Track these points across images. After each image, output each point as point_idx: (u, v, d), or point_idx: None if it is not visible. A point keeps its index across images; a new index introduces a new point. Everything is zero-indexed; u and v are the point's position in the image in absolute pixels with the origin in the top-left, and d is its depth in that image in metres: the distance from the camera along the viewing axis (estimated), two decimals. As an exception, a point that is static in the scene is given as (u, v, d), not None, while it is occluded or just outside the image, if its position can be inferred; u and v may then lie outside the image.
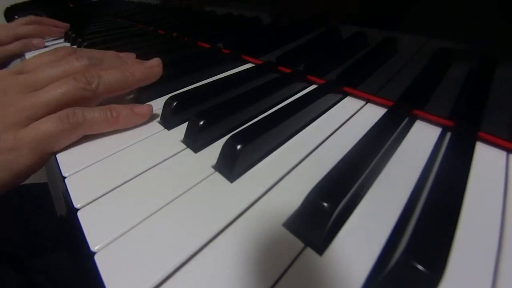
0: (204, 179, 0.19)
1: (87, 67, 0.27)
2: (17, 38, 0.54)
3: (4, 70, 0.26)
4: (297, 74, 0.32)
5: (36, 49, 0.54)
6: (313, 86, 0.32)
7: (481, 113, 0.22)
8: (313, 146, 0.22)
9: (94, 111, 0.23)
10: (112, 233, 0.16)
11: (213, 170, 0.20)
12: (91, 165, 0.21)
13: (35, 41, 0.55)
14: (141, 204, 0.17)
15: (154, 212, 0.17)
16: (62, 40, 0.62)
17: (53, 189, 0.22)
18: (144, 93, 0.30)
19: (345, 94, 0.30)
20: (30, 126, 0.22)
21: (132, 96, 0.31)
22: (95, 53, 0.31)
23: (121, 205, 0.17)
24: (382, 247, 0.14)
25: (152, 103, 0.30)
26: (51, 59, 0.28)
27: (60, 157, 0.22)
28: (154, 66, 0.30)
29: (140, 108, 0.26)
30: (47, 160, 0.23)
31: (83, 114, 0.23)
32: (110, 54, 0.32)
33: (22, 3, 1.00)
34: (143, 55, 0.41)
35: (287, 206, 0.17)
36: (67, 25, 0.64)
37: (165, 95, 0.31)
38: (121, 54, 0.33)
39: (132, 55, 0.35)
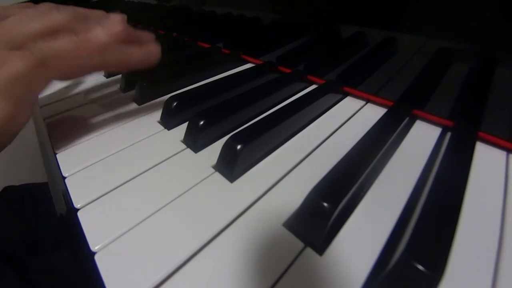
0: (204, 179, 0.19)
1: (70, 21, 0.22)
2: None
3: None
4: (297, 74, 0.32)
5: None
6: (313, 86, 0.32)
7: (481, 113, 0.22)
8: (313, 146, 0.22)
9: (60, 40, 0.19)
10: (112, 233, 0.16)
11: (213, 170, 0.20)
12: (91, 165, 0.21)
13: None
14: (141, 204, 0.17)
15: (154, 212, 0.17)
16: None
17: (53, 189, 0.22)
18: (144, 93, 0.30)
19: (345, 94, 0.30)
20: None
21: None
22: (81, 9, 0.25)
23: (121, 205, 0.17)
24: (382, 247, 0.14)
25: (152, 103, 0.30)
26: (32, 12, 0.22)
27: (60, 157, 0.22)
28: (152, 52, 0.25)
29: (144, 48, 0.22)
30: (29, 110, 0.20)
31: (49, 45, 0.19)
32: (98, 12, 0.26)
33: (22, 2, 1.00)
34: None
35: (287, 206, 0.17)
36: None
37: (165, 95, 0.31)
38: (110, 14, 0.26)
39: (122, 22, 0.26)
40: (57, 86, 0.35)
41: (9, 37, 0.19)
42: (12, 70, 0.18)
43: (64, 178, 0.20)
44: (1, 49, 0.19)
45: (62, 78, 0.22)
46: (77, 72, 0.22)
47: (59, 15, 0.22)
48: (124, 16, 0.23)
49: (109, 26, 0.21)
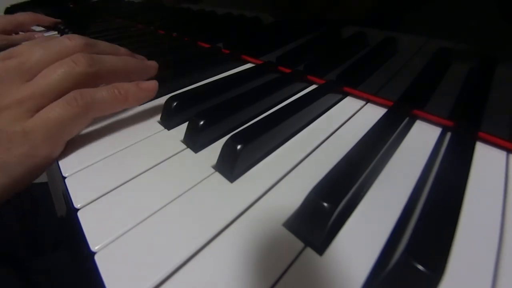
0: (204, 179, 0.19)
1: (80, 47, 0.25)
2: (17, 26, 0.57)
3: None
4: (297, 74, 0.32)
5: None
6: (313, 86, 0.32)
7: (481, 113, 0.22)
8: (313, 146, 0.22)
9: (102, 91, 0.22)
10: (112, 233, 0.16)
11: (213, 170, 0.20)
12: (91, 165, 0.21)
13: (37, 34, 0.59)
14: (141, 204, 0.17)
15: (154, 212, 0.17)
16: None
17: (53, 189, 0.22)
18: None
19: (345, 94, 0.30)
20: (37, 115, 0.20)
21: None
22: (88, 38, 0.27)
23: (121, 205, 0.17)
24: (382, 247, 0.14)
25: (152, 103, 0.30)
26: (40, 42, 0.25)
27: (60, 157, 0.22)
28: (150, 66, 0.29)
29: (146, 84, 0.25)
30: (62, 149, 0.22)
31: (91, 94, 0.21)
32: (103, 42, 0.29)
33: (22, 3, 1.00)
34: (143, 55, 0.41)
35: (287, 206, 0.17)
36: (59, 20, 0.69)
37: (165, 95, 0.31)
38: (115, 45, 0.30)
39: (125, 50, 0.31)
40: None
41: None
42: (55, 116, 0.20)
43: (64, 178, 0.20)
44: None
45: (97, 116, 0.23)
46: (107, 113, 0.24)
47: (69, 41, 0.24)
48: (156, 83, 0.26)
49: (146, 87, 0.25)
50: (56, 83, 0.21)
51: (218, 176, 0.19)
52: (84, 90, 0.21)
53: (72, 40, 0.25)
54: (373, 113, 0.26)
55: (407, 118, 0.24)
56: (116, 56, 0.26)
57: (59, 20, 0.69)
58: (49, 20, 0.67)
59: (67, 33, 0.58)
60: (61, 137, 0.21)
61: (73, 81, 0.22)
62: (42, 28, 0.70)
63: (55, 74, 0.21)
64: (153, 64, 0.29)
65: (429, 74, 0.24)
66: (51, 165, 0.21)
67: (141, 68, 0.28)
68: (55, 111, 0.20)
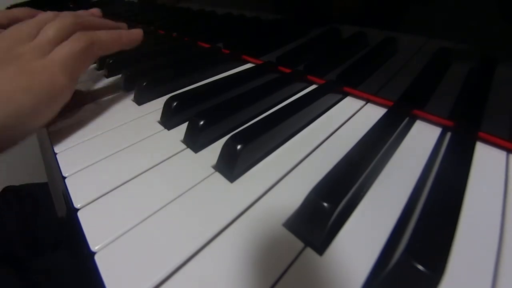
0: (204, 179, 0.19)
1: (75, 25, 0.27)
2: (13, 20, 0.57)
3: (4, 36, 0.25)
4: (297, 74, 0.32)
5: None
6: (313, 86, 0.32)
7: (481, 113, 0.22)
8: (313, 146, 0.22)
9: (101, 32, 0.27)
10: (112, 233, 0.16)
11: (213, 170, 0.20)
12: (91, 165, 0.21)
13: None
14: (141, 204, 0.17)
15: (154, 212, 0.17)
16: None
17: (53, 189, 0.22)
18: (144, 93, 0.30)
19: (345, 94, 0.30)
20: (51, 54, 0.24)
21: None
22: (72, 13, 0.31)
23: (121, 205, 0.17)
24: (382, 247, 0.14)
25: (152, 103, 0.30)
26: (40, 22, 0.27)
27: (60, 157, 0.22)
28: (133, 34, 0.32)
29: (135, 30, 0.31)
30: (75, 83, 0.25)
31: (92, 33, 0.26)
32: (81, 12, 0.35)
33: (22, 3, 1.00)
34: (143, 55, 0.41)
35: (287, 206, 0.17)
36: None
37: (165, 95, 0.31)
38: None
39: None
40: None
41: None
42: (68, 50, 0.24)
43: (64, 178, 0.20)
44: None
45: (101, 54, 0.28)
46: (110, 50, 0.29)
47: (66, 19, 0.28)
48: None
49: (135, 31, 0.32)
50: (63, 28, 0.25)
51: (218, 176, 0.19)
52: (86, 31, 0.26)
53: (67, 18, 0.27)
54: (373, 113, 0.26)
55: (407, 118, 0.24)
56: (112, 32, 0.29)
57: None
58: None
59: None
60: (74, 69, 0.24)
61: (79, 56, 0.25)
62: None
63: (59, 23, 0.25)
64: (138, 32, 0.33)
65: (429, 74, 0.24)
66: (67, 99, 0.24)
67: (127, 37, 0.32)
68: (66, 47, 0.24)
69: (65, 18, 0.26)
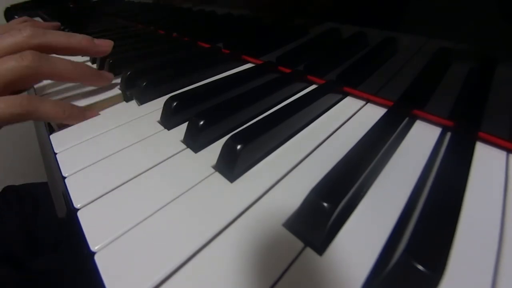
0: (204, 179, 0.19)
1: (29, 38, 0.27)
2: None
3: None
4: (297, 74, 0.32)
5: None
6: (313, 86, 0.32)
7: (481, 113, 0.22)
8: (313, 146, 0.22)
9: (47, 104, 0.25)
10: (112, 233, 0.16)
11: (213, 170, 0.20)
12: (91, 165, 0.21)
13: None
14: (141, 204, 0.17)
15: (154, 212, 0.17)
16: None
17: (53, 189, 0.22)
18: (144, 93, 0.30)
19: (345, 94, 0.30)
20: None
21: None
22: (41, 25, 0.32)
23: (121, 205, 0.17)
24: (382, 247, 0.14)
25: (152, 103, 0.30)
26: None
27: (60, 157, 0.22)
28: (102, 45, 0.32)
29: (88, 112, 0.28)
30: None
31: (37, 105, 0.24)
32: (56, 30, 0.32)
33: (22, 3, 1.00)
34: (143, 56, 0.42)
35: (287, 206, 0.17)
36: (58, 23, 0.67)
37: (165, 95, 0.31)
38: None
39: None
40: (56, 86, 0.35)
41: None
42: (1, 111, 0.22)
43: (64, 178, 0.20)
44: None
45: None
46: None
47: (19, 34, 0.27)
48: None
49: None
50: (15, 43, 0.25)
51: (218, 176, 0.19)
52: (34, 98, 0.24)
53: (23, 32, 0.27)
54: (373, 113, 0.26)
55: (407, 118, 0.24)
56: (71, 62, 0.28)
57: (56, 23, 0.67)
58: (47, 25, 0.65)
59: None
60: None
61: (17, 75, 0.24)
62: None
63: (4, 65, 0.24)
64: (107, 76, 0.33)
65: (429, 74, 0.24)
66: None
67: (90, 76, 0.30)
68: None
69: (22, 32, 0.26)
